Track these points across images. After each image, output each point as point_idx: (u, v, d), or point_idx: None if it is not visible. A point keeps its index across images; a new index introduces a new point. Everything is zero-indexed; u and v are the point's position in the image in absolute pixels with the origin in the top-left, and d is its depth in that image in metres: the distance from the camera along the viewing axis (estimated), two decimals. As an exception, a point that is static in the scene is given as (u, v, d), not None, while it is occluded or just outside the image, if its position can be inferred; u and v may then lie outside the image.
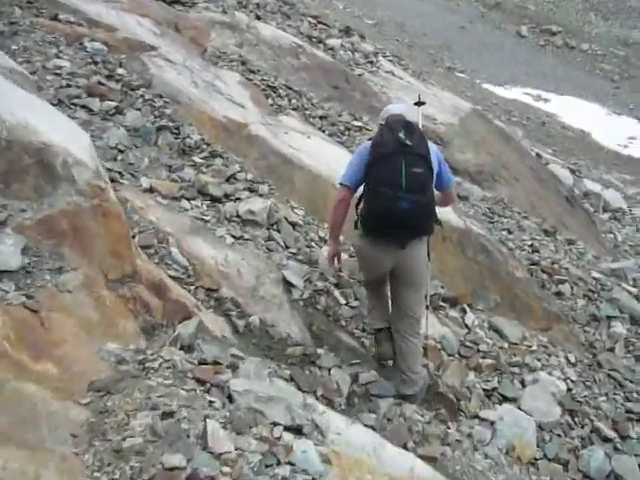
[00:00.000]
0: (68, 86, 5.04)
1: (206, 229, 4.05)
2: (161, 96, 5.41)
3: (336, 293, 3.96)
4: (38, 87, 4.85)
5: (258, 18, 9.06)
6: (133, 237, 3.47)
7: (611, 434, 4.03)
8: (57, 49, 5.56)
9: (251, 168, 4.93)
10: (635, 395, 4.54)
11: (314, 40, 9.26)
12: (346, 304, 3.94)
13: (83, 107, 4.88)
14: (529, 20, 27.40)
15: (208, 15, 7.94)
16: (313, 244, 4.44)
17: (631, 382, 4.65)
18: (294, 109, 6.24)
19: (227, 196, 4.52)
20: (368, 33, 21.55)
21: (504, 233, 5.77)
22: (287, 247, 4.25)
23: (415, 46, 23.75)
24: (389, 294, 3.57)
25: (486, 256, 4.86)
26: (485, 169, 7.24)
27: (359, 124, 6.46)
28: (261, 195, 4.69)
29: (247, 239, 4.11)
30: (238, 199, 4.50)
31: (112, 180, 3.97)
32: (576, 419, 4.07)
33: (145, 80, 5.56)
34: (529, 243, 5.72)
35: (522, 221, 6.26)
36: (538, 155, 10.62)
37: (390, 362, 3.60)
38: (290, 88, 6.60)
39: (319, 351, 3.41)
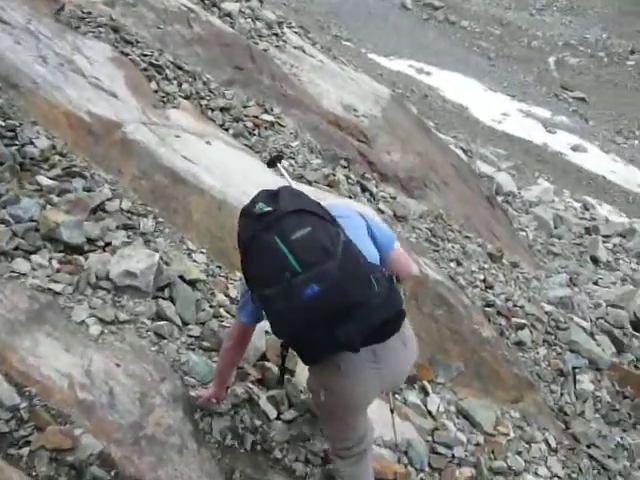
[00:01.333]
0: None
1: (56, 310, 2.55)
2: (-11, 77, 3.69)
3: (262, 399, 2.65)
4: None
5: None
6: None
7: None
8: None
9: (128, 192, 3.42)
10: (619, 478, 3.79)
11: (207, 3, 7.60)
12: (278, 417, 2.64)
13: None
14: None
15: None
16: (222, 311, 3.07)
17: (609, 457, 3.93)
18: (186, 97, 4.69)
19: (91, 242, 3.01)
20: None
21: (452, 265, 4.74)
22: (186, 324, 2.85)
23: (302, 11, 22.69)
24: None
25: (446, 311, 3.77)
26: (415, 174, 6.18)
27: (270, 118, 5.07)
28: (144, 235, 3.22)
29: (123, 322, 2.65)
30: (108, 247, 3.01)
31: None
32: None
33: (-37, 51, 3.79)
34: (481, 277, 4.75)
35: (466, 244, 5.27)
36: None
37: None
38: (180, 68, 5.01)
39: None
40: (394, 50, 21.54)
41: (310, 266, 1.82)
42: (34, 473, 1.94)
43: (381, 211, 4.84)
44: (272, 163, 2.89)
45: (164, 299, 2.86)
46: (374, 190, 5.10)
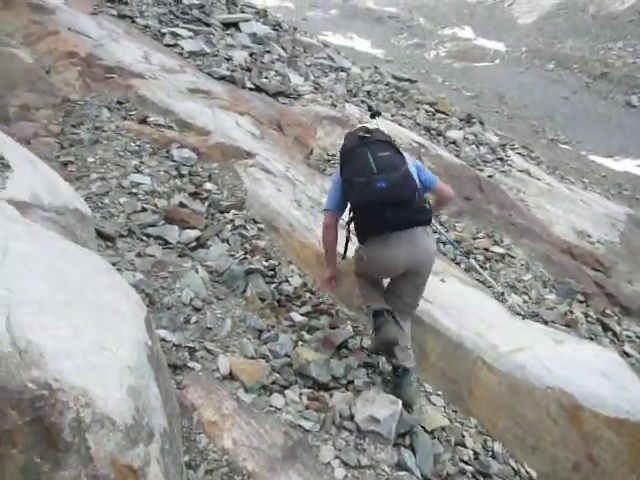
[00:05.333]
0: (143, 210, 4.07)
1: (305, 448, 2.73)
2: (255, 221, 4.31)
3: None
4: (107, 214, 3.89)
5: (370, 109, 8.04)
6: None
7: None
8: (139, 160, 4.67)
9: (368, 329, 3.63)
10: None
11: (433, 132, 8.05)
12: None
13: (157, 238, 3.86)
14: None
15: (315, 109, 6.97)
16: (462, 465, 2.99)
17: None
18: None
19: (336, 379, 3.21)
20: (467, 106, 20.74)
21: None
22: (425, 478, 2.83)
23: (516, 117, 22.66)
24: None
25: None
26: (664, 306, 5.51)
27: (500, 250, 5.03)
28: (382, 374, 3.35)
29: (364, 467, 2.74)
30: (350, 385, 3.18)
31: (175, 367, 2.82)
32: None
33: (237, 199, 4.51)
34: None
35: None
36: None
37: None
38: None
39: None
40: (619, 150, 20.34)
41: (383, 172, 2.92)
42: None
43: (627, 354, 4.38)
44: (373, 116, 3.97)
45: (405, 447, 2.89)
46: (617, 329, 4.66)
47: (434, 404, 3.32)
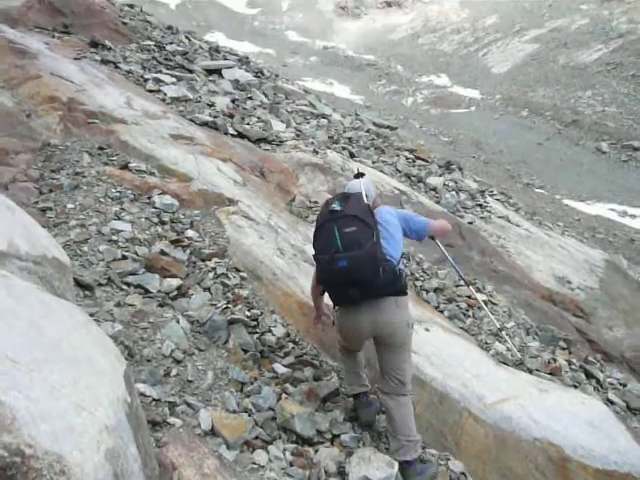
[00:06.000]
0: (123, 258, 3.99)
1: (291, 508, 2.63)
2: (237, 269, 4.26)
3: None
4: (86, 262, 3.81)
5: (351, 155, 8.14)
6: None
7: None
8: (120, 206, 4.62)
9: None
10: None
11: (414, 179, 8.16)
12: None
13: (137, 287, 3.78)
14: (609, 136, 26.89)
15: (297, 155, 7.03)
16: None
17: None
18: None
19: (320, 434, 3.13)
20: (444, 151, 21.19)
21: None
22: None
23: (492, 162, 23.19)
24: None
25: None
26: (646, 353, 5.54)
27: (483, 297, 5.03)
28: (370, 427, 3.27)
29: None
30: (336, 439, 3.09)
31: (154, 423, 2.71)
32: None
33: (219, 247, 4.46)
34: None
35: None
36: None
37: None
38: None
39: None
40: (591, 194, 20.83)
41: (348, 249, 2.89)
42: None
43: (611, 402, 4.36)
44: (358, 175, 3.75)
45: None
46: (600, 376, 4.65)
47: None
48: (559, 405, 3.81)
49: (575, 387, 4.28)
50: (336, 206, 3.06)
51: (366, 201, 3.15)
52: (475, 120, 29.78)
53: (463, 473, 3.34)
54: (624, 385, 4.73)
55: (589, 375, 4.63)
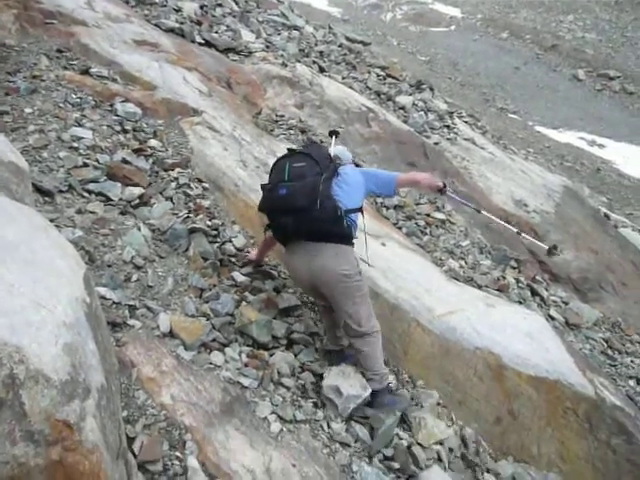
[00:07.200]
0: (84, 165, 3.97)
1: (243, 403, 2.82)
2: (200, 180, 4.29)
3: None
4: (45, 169, 3.78)
5: (321, 70, 7.99)
6: (132, 441, 2.29)
7: None
8: (80, 112, 4.53)
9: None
10: None
11: (383, 97, 8.10)
12: None
13: (99, 195, 3.79)
14: (586, 64, 26.74)
15: (265, 67, 6.88)
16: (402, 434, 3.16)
17: None
18: (363, 196, 5.02)
19: (276, 339, 3.31)
20: (420, 71, 20.86)
21: (632, 384, 4.36)
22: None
23: (467, 85, 22.97)
24: None
25: (625, 440, 3.49)
26: (589, 274, 5.87)
27: (441, 216, 5.20)
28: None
29: (300, 421, 2.86)
30: (289, 346, 3.28)
31: (115, 324, 2.83)
32: None
33: (182, 157, 4.46)
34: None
35: (649, 360, 4.85)
36: (606, 216, 9.24)
37: None
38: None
39: None
40: (564, 122, 20.96)
41: (290, 180, 3.03)
42: None
43: (552, 318, 4.66)
44: (332, 133, 4.01)
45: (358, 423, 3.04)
46: (545, 294, 4.94)
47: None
48: (502, 319, 4.06)
49: (520, 303, 4.54)
50: (295, 149, 3.27)
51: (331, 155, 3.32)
52: (454, 40, 29.11)
53: (410, 377, 3.61)
54: (566, 303, 5.04)
55: (534, 293, 4.91)
